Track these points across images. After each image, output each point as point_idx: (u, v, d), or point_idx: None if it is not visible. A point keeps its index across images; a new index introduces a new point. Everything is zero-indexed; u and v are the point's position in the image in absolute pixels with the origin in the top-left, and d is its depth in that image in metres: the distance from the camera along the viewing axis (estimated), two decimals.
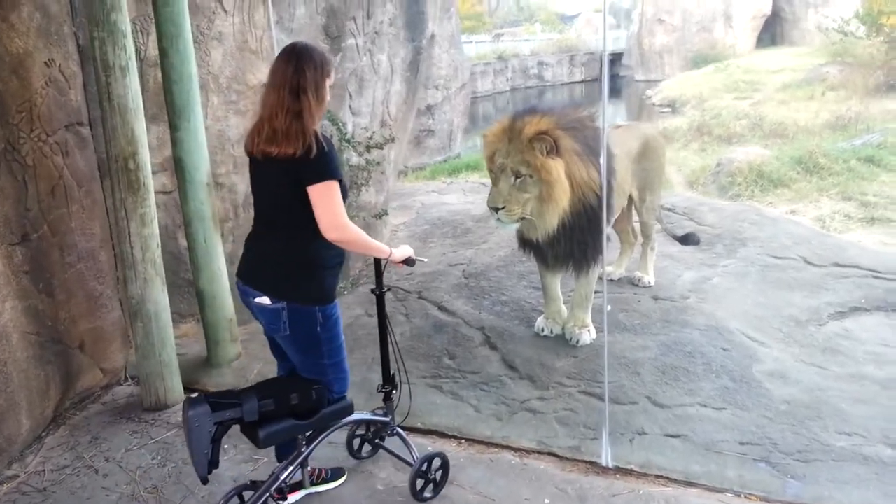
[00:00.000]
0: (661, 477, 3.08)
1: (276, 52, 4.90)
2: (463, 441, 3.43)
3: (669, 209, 6.64)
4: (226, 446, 3.35)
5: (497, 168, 3.56)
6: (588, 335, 4.09)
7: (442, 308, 4.65)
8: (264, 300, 2.54)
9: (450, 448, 3.35)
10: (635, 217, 4.96)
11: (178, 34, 3.73)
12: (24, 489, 3.12)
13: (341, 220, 2.42)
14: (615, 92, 34.78)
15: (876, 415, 3.44)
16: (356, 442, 3.22)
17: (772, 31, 31.57)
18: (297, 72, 2.44)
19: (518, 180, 3.49)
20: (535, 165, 3.43)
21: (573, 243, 3.77)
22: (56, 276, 3.59)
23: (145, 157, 3.56)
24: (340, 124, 5.35)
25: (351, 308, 4.82)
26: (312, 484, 2.97)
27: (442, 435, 3.48)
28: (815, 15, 30.16)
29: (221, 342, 4.24)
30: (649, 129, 4.80)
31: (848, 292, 4.89)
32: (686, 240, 5.22)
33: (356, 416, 2.91)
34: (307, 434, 2.71)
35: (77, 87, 3.74)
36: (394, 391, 3.00)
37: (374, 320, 4.53)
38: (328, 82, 2.53)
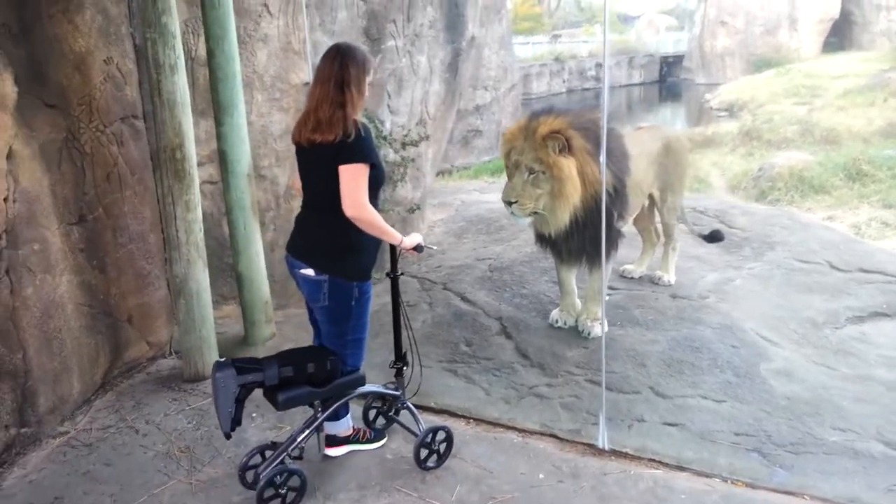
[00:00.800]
0: (654, 461, 3.25)
1: (318, 53, 5.26)
2: (471, 421, 3.66)
3: (701, 212, 6.73)
4: (253, 414, 3.68)
5: (512, 164, 3.77)
6: (600, 328, 4.25)
7: (464, 298, 4.88)
8: (309, 272, 2.86)
9: (458, 426, 3.57)
10: (658, 217, 5.09)
11: (224, 36, 4.05)
12: (73, 443, 3.48)
13: (361, 199, 2.68)
14: (674, 95, 34.41)
15: (875, 413, 3.52)
16: (371, 413, 3.48)
17: (840, 35, 30.73)
18: (342, 68, 2.74)
19: (531, 176, 3.70)
20: (547, 163, 3.64)
21: (585, 239, 3.95)
22: (109, 254, 3.96)
23: (191, 149, 3.89)
24: (378, 122, 5.62)
25: (380, 296, 5.07)
26: (357, 442, 3.29)
27: (452, 414, 3.71)
28: (885, 18, 29.28)
29: (257, 323, 4.56)
30: (671, 131, 4.93)
31: (870, 297, 4.91)
32: (711, 238, 5.31)
33: (369, 387, 3.18)
34: (322, 402, 3.00)
35: (132, 83, 4.11)
36: (405, 368, 3.24)
37: (417, 308, 4.83)
38: (368, 79, 2.83)
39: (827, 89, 18.84)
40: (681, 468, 3.19)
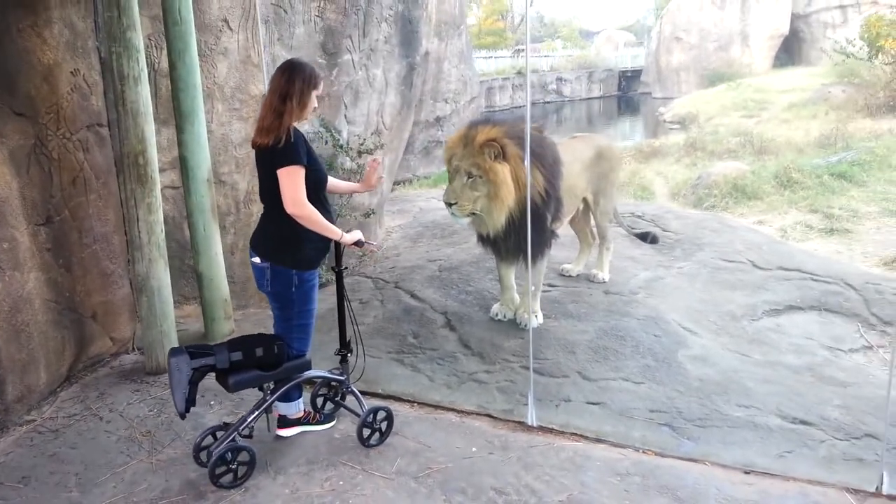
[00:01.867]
0: (576, 434, 3.60)
1: (276, 66, 5.57)
2: (415, 404, 3.98)
3: (640, 216, 7.16)
4: (211, 402, 3.96)
5: (453, 169, 4.13)
6: (535, 320, 4.61)
7: (413, 296, 5.21)
8: (256, 259, 3.19)
9: (403, 409, 3.90)
10: (593, 220, 5.48)
11: (186, 49, 4.34)
12: (40, 430, 3.72)
13: (299, 198, 3.00)
14: (632, 109, 35.28)
15: (777, 392, 3.93)
16: (319, 400, 3.78)
17: (790, 51, 31.85)
18: (288, 81, 3.07)
19: (469, 180, 4.05)
20: (484, 168, 4.00)
21: (521, 238, 4.31)
22: (74, 254, 4.21)
23: (153, 155, 4.17)
24: (334, 131, 5.94)
25: (335, 295, 5.40)
26: (308, 424, 3.59)
27: (398, 399, 4.03)
28: (832, 35, 30.46)
29: (217, 319, 4.83)
30: (603, 140, 5.33)
31: (787, 292, 5.36)
32: (644, 237, 5.73)
33: (315, 372, 3.49)
34: (272, 384, 3.29)
35: (98, 93, 4.38)
36: (349, 355, 3.55)
37: (355, 305, 5.13)
38: (315, 93, 3.15)
39: (774, 103, 19.67)
40: (599, 440, 3.55)
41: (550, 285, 5.39)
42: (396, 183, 10.88)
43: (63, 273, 4.12)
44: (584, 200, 5.21)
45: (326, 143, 5.98)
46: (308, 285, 3.19)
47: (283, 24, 5.52)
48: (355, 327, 3.57)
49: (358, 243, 3.25)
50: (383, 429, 3.51)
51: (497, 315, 4.78)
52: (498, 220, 4.12)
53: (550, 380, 4.08)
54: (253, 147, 3.13)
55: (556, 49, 45.38)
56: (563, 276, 5.58)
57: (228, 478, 3.17)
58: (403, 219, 8.40)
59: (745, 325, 4.91)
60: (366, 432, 3.44)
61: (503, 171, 3.97)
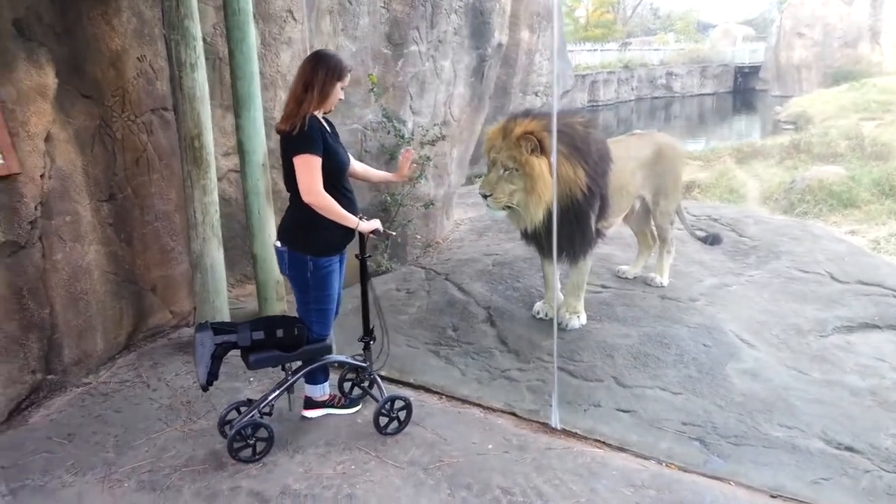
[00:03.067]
0: (599, 441, 3.50)
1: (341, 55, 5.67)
2: (444, 397, 3.97)
3: (715, 220, 6.83)
4: (251, 378, 4.10)
5: (490, 161, 4.08)
6: (577, 320, 4.50)
7: (461, 288, 5.20)
8: (277, 243, 3.28)
9: (430, 401, 3.91)
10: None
11: (243, 38, 4.48)
12: (93, 392, 3.97)
13: (314, 187, 3.04)
14: (749, 106, 33.67)
15: (826, 414, 3.66)
16: (347, 385, 3.84)
17: None
18: (313, 71, 3.13)
19: (506, 173, 3.99)
20: (520, 161, 3.92)
21: (561, 235, 4.20)
22: (136, 230, 4.46)
23: (209, 139, 4.34)
24: (396, 122, 5.99)
25: (387, 283, 5.48)
26: (332, 407, 3.67)
27: (428, 391, 4.04)
28: None
29: (269, 300, 4.97)
30: (663, 137, 5.09)
31: (863, 308, 4.98)
32: (706, 240, 5.47)
33: (337, 357, 3.55)
34: (294, 366, 3.38)
35: (164, 78, 4.60)
36: (372, 342, 3.58)
37: (402, 294, 5.18)
38: (340, 84, 3.19)
39: None
40: (622, 449, 3.43)
41: (603, 286, 5.24)
42: (476, 176, 10.86)
43: (124, 247, 4.36)
44: (642, 200, 5.02)
45: (389, 132, 6.05)
46: (325, 271, 3.23)
47: (348, 15, 5.61)
48: (380, 315, 3.60)
49: (375, 232, 3.26)
50: (402, 418, 3.52)
51: (539, 313, 4.70)
52: (535, 215, 4.03)
53: (583, 383, 3.98)
54: (277, 133, 3.20)
55: (667, 42, 43.85)
56: (619, 277, 5.40)
57: (247, 452, 3.28)
58: (475, 212, 8.37)
59: (811, 340, 4.59)
60: (382, 420, 3.47)
61: (540, 164, 3.88)
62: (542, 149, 3.91)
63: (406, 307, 4.96)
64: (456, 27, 6.71)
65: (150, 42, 4.48)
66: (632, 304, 4.88)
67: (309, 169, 3.04)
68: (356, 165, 3.60)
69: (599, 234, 4.53)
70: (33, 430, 3.59)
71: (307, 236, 3.19)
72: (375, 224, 3.26)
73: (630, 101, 35.95)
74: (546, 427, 3.63)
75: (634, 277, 5.39)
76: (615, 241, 6.20)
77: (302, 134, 3.04)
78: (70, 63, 3.98)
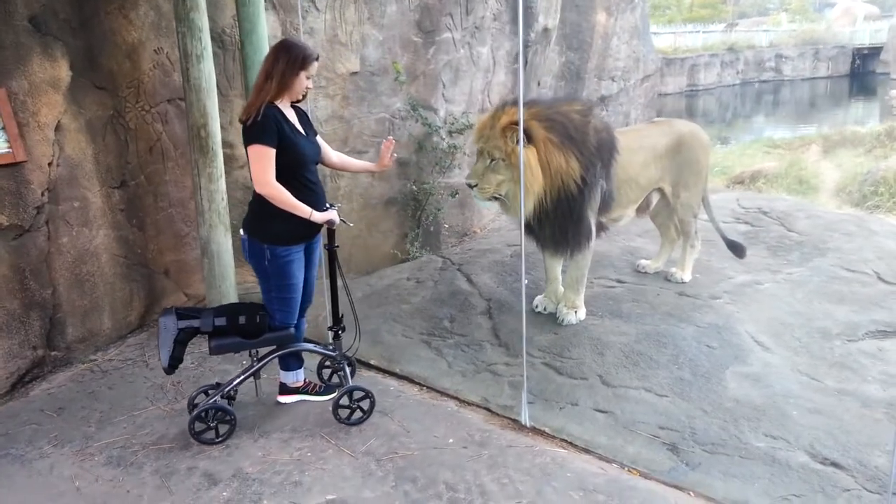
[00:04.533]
0: (565, 441, 3.37)
1: (367, 45, 5.68)
2: (424, 388, 3.94)
3: (766, 213, 6.41)
4: (243, 361, 4.19)
5: (478, 151, 3.98)
6: (574, 316, 4.34)
7: (469, 279, 5.12)
8: (241, 232, 3.31)
9: (410, 392, 3.90)
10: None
11: (252, 29, 4.57)
12: (94, 369, 4.20)
13: (264, 178, 3.06)
14: (868, 90, 31.36)
15: (821, 426, 3.37)
16: (325, 372, 3.88)
17: None
18: (274, 61, 3.15)
19: (492, 163, 3.88)
20: (506, 151, 3.80)
21: (555, 228, 4.06)
22: (149, 216, 4.66)
23: (215, 128, 4.45)
24: (422, 110, 5.95)
25: (401, 272, 5.48)
26: (307, 393, 3.73)
27: (411, 381, 4.02)
28: None
29: None
30: (685, 125, 4.78)
31: None
32: (731, 247, 5.13)
33: (305, 345, 3.59)
34: (263, 352, 3.45)
35: (180, 70, 4.75)
36: (341, 332, 3.59)
37: (410, 284, 5.17)
38: (303, 73, 3.18)
39: None
40: (587, 451, 3.29)
41: (619, 281, 5.03)
42: None
43: (135, 232, 4.57)
44: (661, 192, 4.77)
45: (417, 121, 6.02)
46: (282, 260, 3.25)
47: (374, 3, 5.59)
48: (351, 304, 3.60)
49: (328, 223, 3.25)
50: (364, 408, 3.52)
51: (538, 307, 4.57)
52: (525, 207, 3.90)
53: (567, 380, 3.84)
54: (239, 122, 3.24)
55: (780, 23, 41.38)
56: (639, 272, 5.17)
57: (210, 434, 3.38)
58: None
59: (836, 345, 4.23)
60: (342, 411, 3.48)
61: (527, 154, 3.75)
62: (529, 138, 3.77)
63: (410, 296, 4.94)
64: (495, 12, 6.58)
65: (168, 34, 4.64)
66: (642, 301, 4.65)
67: (259, 159, 3.06)
68: (332, 155, 3.60)
69: (602, 227, 4.34)
70: (31, 402, 3.84)
71: (263, 225, 3.23)
72: (329, 215, 3.25)
73: (734, 84, 34.31)
74: (516, 424, 3.53)
75: (655, 272, 5.14)
76: (647, 235, 5.94)
77: (255, 124, 3.06)
78: (85, 55, 4.19)
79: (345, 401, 3.49)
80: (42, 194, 3.97)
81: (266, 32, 4.67)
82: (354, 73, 5.66)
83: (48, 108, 4.01)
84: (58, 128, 4.06)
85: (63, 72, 4.09)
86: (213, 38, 4.79)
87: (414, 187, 6.13)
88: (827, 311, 4.62)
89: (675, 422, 3.45)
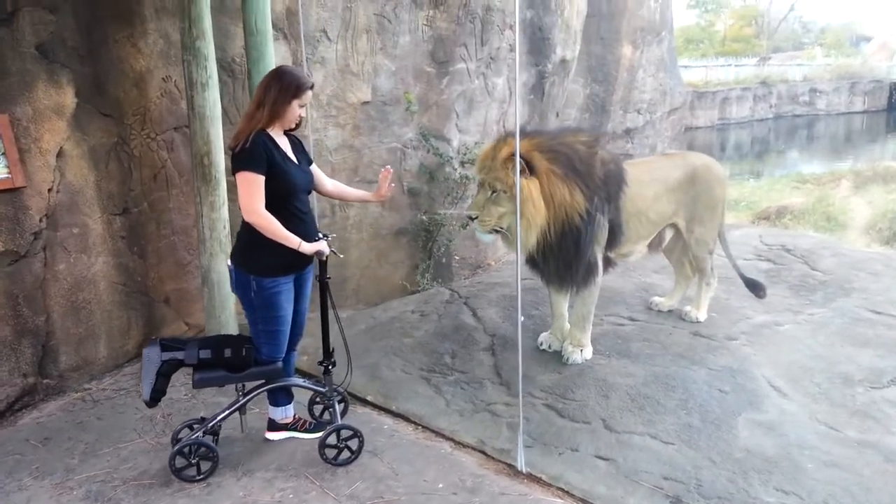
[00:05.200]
0: (562, 490, 3.18)
1: (379, 75, 5.64)
2: (419, 427, 3.79)
3: (789, 250, 6.19)
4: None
5: (479, 182, 3.86)
6: (580, 355, 4.16)
7: (474, 314, 4.97)
8: (228, 261, 3.24)
9: (404, 431, 3.75)
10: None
11: (260, 58, 4.54)
12: (87, 399, 4.12)
13: (251, 206, 2.97)
14: None
15: (839, 481, 3.15)
16: (317, 409, 3.75)
17: None
18: (266, 88, 3.09)
19: (493, 195, 3.75)
20: (507, 183, 3.68)
21: (560, 263, 3.91)
22: (151, 243, 4.61)
23: (218, 157, 4.41)
24: (432, 141, 5.87)
25: (406, 304, 5.35)
26: (296, 430, 3.61)
27: (406, 420, 3.87)
28: None
29: None
30: (700, 158, 4.61)
31: None
32: (751, 286, 4.92)
33: (294, 380, 3.47)
34: (249, 387, 3.34)
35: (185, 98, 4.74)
36: (331, 367, 3.46)
37: (415, 317, 5.04)
38: (296, 101, 3.11)
39: None
40: (583, 501, 3.11)
41: (631, 319, 4.84)
42: None
43: (135, 259, 4.52)
44: (675, 227, 4.59)
45: (429, 151, 5.95)
46: (269, 292, 3.14)
47: (387, 34, 5.56)
48: (343, 338, 3.49)
49: (318, 254, 3.15)
50: (352, 448, 3.38)
51: (542, 344, 4.40)
52: (527, 239, 3.76)
53: (568, 423, 3.66)
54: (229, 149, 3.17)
55: (814, 57, 40.97)
56: (651, 310, 4.97)
57: (191, 472, 3.26)
58: None
59: (859, 392, 3.99)
60: (329, 451, 3.35)
61: (528, 187, 3.62)
62: (532, 170, 3.65)
63: (413, 330, 4.80)
64: (511, 43, 6.51)
65: (177, 63, 4.62)
66: (653, 340, 4.46)
67: (248, 187, 2.98)
68: (327, 184, 3.52)
69: (609, 262, 4.18)
70: (18, 431, 3.77)
71: (250, 255, 3.14)
72: (318, 246, 3.15)
73: (767, 119, 33.96)
74: (511, 469, 3.36)
75: (669, 311, 4.95)
76: (664, 271, 5.74)
77: (243, 151, 2.99)
78: (92, 83, 4.18)
79: (332, 440, 3.35)
80: (40, 220, 3.94)
81: (274, 62, 4.64)
82: (366, 103, 5.61)
83: (51, 135, 4.00)
84: (60, 154, 4.05)
85: (68, 99, 4.09)
86: (223, 67, 4.80)
87: (424, 218, 6.03)
88: (850, 355, 4.38)
89: (681, 472, 3.24)
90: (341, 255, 3.53)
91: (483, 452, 3.51)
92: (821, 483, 3.13)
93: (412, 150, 6.02)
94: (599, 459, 3.37)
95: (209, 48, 4.29)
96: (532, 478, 3.28)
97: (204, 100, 4.31)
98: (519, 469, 3.33)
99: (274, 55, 4.64)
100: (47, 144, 3.99)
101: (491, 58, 6.35)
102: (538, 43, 6.76)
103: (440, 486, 3.20)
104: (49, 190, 3.99)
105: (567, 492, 3.17)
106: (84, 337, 4.22)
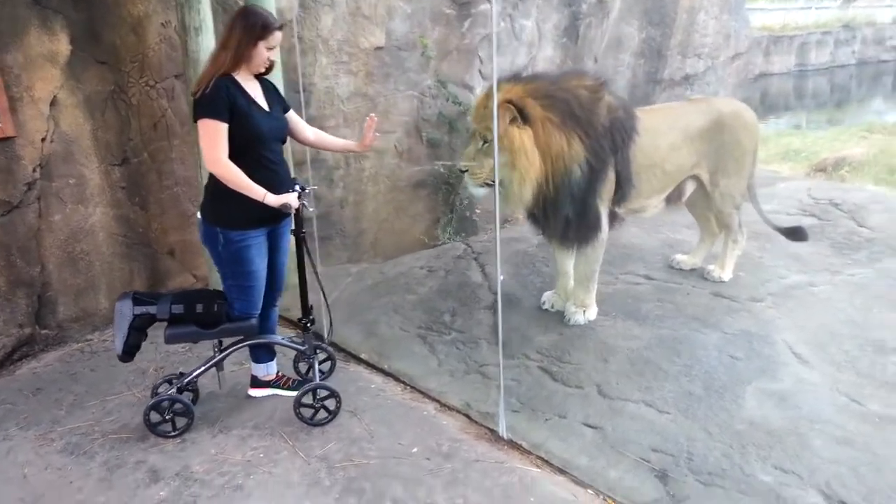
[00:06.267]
0: (541, 458, 3.00)
1: (393, 18, 5.38)
2: (408, 387, 3.65)
3: (837, 204, 5.72)
4: None
5: (472, 132, 3.61)
6: (582, 316, 3.93)
7: (482, 270, 4.77)
8: (198, 214, 3.13)
9: (392, 391, 3.62)
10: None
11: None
12: (85, 350, 4.14)
13: (213, 155, 2.82)
14: None
15: (848, 459, 2.86)
16: (302, 367, 3.66)
17: None
18: (230, 30, 2.92)
19: (485, 145, 3.51)
20: (498, 132, 3.42)
21: (559, 218, 3.65)
22: (152, 194, 4.55)
23: None
24: (449, 89, 5.60)
25: (418, 259, 5.20)
26: (278, 387, 3.53)
27: (396, 379, 3.73)
28: None
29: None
30: (727, 104, 4.20)
31: None
32: (790, 234, 4.54)
33: (272, 337, 3.36)
34: (224, 344, 3.25)
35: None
36: (310, 325, 3.34)
37: (421, 273, 4.88)
38: (262, 43, 2.91)
39: None
40: (562, 471, 2.92)
41: (647, 277, 4.55)
42: None
43: (136, 210, 4.47)
44: (698, 180, 4.25)
45: (448, 100, 5.69)
46: (237, 246, 3.01)
47: None
48: (323, 294, 3.36)
49: (284, 207, 2.98)
50: (329, 408, 3.27)
51: (545, 304, 4.17)
52: (522, 194, 3.51)
53: (560, 387, 3.45)
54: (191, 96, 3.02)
55: None
56: (673, 268, 4.66)
57: (167, 427, 3.22)
58: None
59: (892, 361, 3.64)
60: (304, 411, 3.24)
61: (521, 136, 3.35)
62: (525, 118, 3.38)
63: (418, 286, 4.64)
64: None
65: (176, 7, 4.48)
66: (666, 301, 4.18)
67: (209, 135, 2.83)
68: (307, 132, 3.34)
69: (615, 217, 3.89)
70: (14, 381, 3.81)
71: (217, 207, 3.01)
72: (285, 198, 2.97)
73: (850, 64, 31.88)
74: (493, 434, 3.19)
75: (692, 269, 4.62)
76: (694, 227, 5.37)
77: (203, 97, 2.83)
78: (87, 29, 4.07)
79: (307, 399, 3.25)
80: (34, 170, 3.91)
81: (274, 4, 4.45)
82: (379, 49, 5.36)
83: (43, 83, 3.93)
84: (53, 102, 3.98)
85: (62, 45, 4.00)
86: (225, 10, 4.63)
87: (443, 169, 5.81)
88: (887, 320, 4.01)
89: (672, 444, 3.01)
90: (312, 209, 3.34)
91: (467, 416, 3.35)
92: (826, 462, 2.85)
93: (430, 99, 5.76)
94: (587, 427, 3.17)
95: None
96: (513, 444, 3.10)
97: (198, 45, 4.16)
98: (500, 435, 3.16)
99: None
100: (40, 93, 3.93)
101: None
102: None
103: (414, 450, 3.07)
104: (42, 139, 3.94)
105: (546, 461, 2.99)
106: (83, 288, 4.22)
